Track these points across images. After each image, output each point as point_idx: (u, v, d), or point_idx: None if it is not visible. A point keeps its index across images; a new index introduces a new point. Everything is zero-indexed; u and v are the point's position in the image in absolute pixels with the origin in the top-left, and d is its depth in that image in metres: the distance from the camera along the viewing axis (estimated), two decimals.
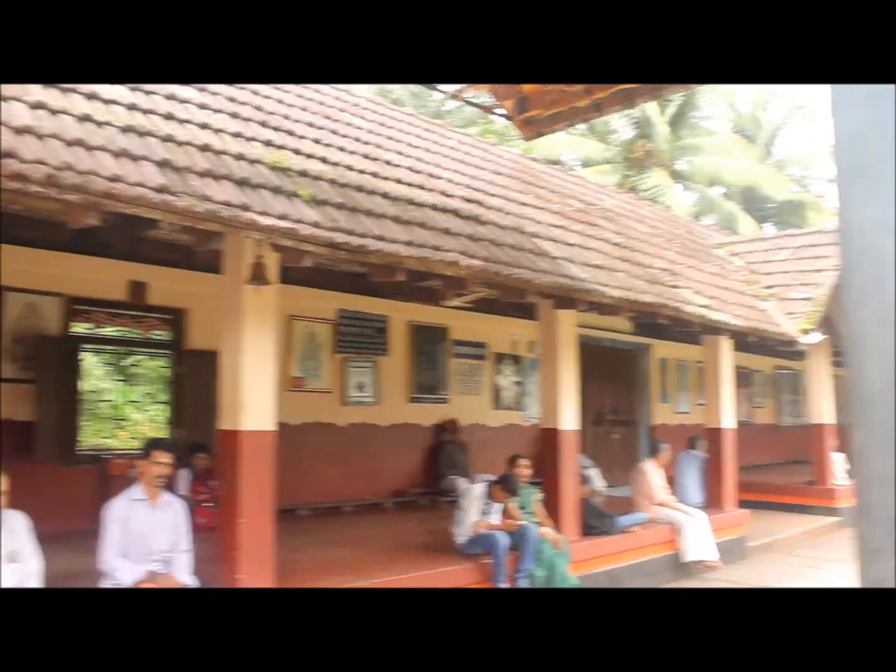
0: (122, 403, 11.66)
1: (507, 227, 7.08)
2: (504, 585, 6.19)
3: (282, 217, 4.67)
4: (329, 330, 9.18)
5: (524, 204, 8.46)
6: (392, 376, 9.96)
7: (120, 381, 11.92)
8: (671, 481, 9.35)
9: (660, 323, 8.40)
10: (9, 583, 4.16)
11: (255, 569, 4.96)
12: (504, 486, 6.60)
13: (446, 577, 5.98)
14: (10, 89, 4.27)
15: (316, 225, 4.85)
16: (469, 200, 7.22)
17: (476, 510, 6.52)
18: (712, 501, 9.62)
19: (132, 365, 11.86)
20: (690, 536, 8.36)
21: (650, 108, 22.12)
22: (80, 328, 7.32)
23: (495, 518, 6.56)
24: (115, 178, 3.99)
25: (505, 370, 11.63)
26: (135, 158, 4.33)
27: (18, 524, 4.32)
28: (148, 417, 11.26)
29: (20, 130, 3.94)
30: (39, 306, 6.69)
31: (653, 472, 8.82)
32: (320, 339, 9.07)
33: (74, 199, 3.78)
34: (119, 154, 4.27)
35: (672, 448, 9.29)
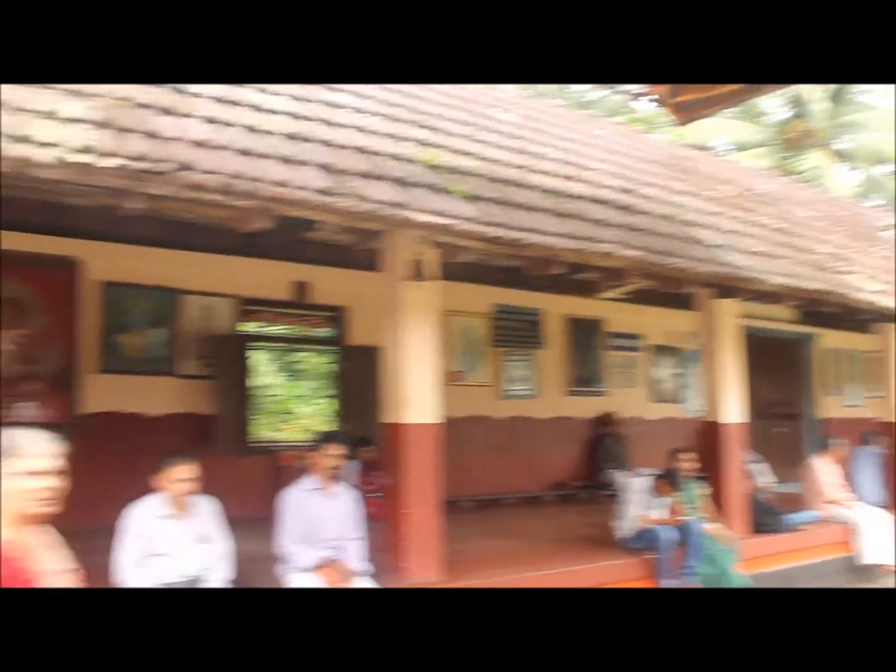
0: (288, 398, 12.24)
1: (662, 216, 6.92)
2: (668, 582, 6.06)
3: (438, 213, 4.76)
4: (485, 324, 9.28)
5: (678, 191, 8.23)
6: (548, 369, 9.96)
7: (286, 376, 12.51)
8: (845, 479, 8.84)
9: (826, 311, 7.98)
10: (200, 563, 4.46)
11: (422, 558, 5.09)
12: (667, 480, 6.47)
13: (609, 572, 5.92)
14: (182, 105, 4.57)
15: (472, 220, 4.91)
16: (622, 190, 7.09)
17: (637, 504, 6.42)
18: (893, 501, 9.02)
19: (297, 361, 12.42)
20: (869, 538, 7.86)
21: (805, 86, 20.95)
22: (249, 327, 7.74)
23: (658, 512, 6.43)
24: (281, 184, 4.19)
25: (662, 362, 11.37)
26: (298, 163, 4.53)
27: (209, 508, 4.62)
28: (313, 412, 11.75)
29: (195, 143, 4.21)
30: (214, 308, 7.12)
31: (824, 469, 8.37)
32: (477, 333, 9.18)
33: (246, 205, 4.00)
34: (284, 160, 4.49)
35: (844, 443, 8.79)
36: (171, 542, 4.56)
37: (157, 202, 3.95)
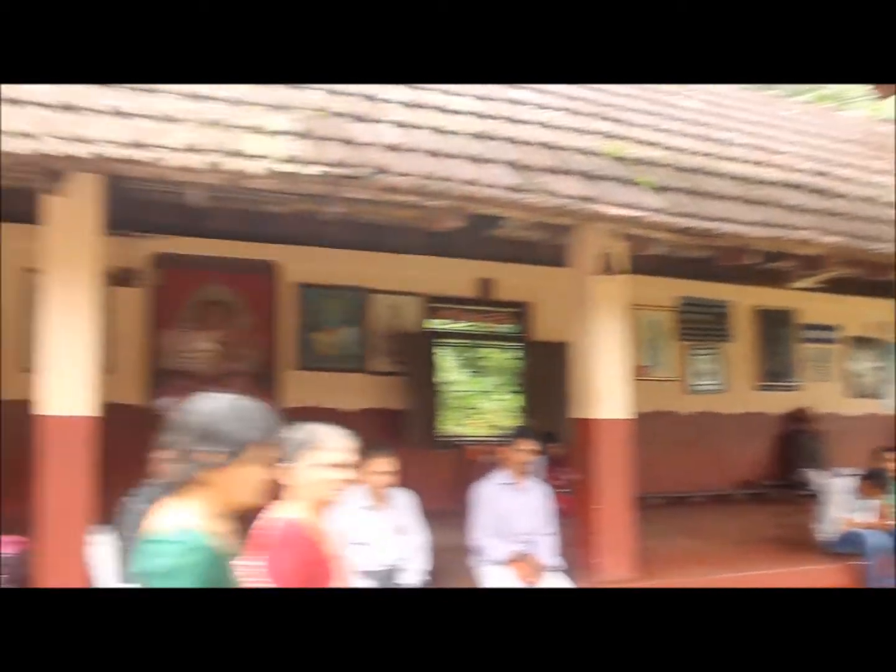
0: (472, 394, 12.44)
1: (862, 199, 6.48)
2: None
3: (628, 206, 4.69)
4: (670, 318, 9.06)
5: (879, 171, 7.67)
6: (737, 363, 9.59)
7: (470, 372, 12.72)
8: None
9: None
10: (397, 554, 4.62)
11: (614, 555, 5.04)
12: (873, 481, 6.06)
13: (811, 576, 5.62)
14: (373, 111, 4.74)
15: (662, 211, 4.80)
16: (816, 173, 6.69)
17: (840, 506, 6.06)
18: None
19: (480, 357, 12.60)
20: None
21: None
22: (435, 324, 7.93)
23: (865, 515, 6.04)
24: (471, 182, 4.26)
25: (861, 355, 10.66)
26: (486, 162, 4.59)
27: (406, 501, 4.77)
28: (497, 407, 11.89)
29: (388, 147, 4.35)
30: (401, 306, 7.36)
31: None
32: (662, 327, 8.98)
33: (438, 205, 4.10)
34: (472, 159, 4.56)
35: None
36: (371, 532, 4.74)
37: (355, 206, 4.13)
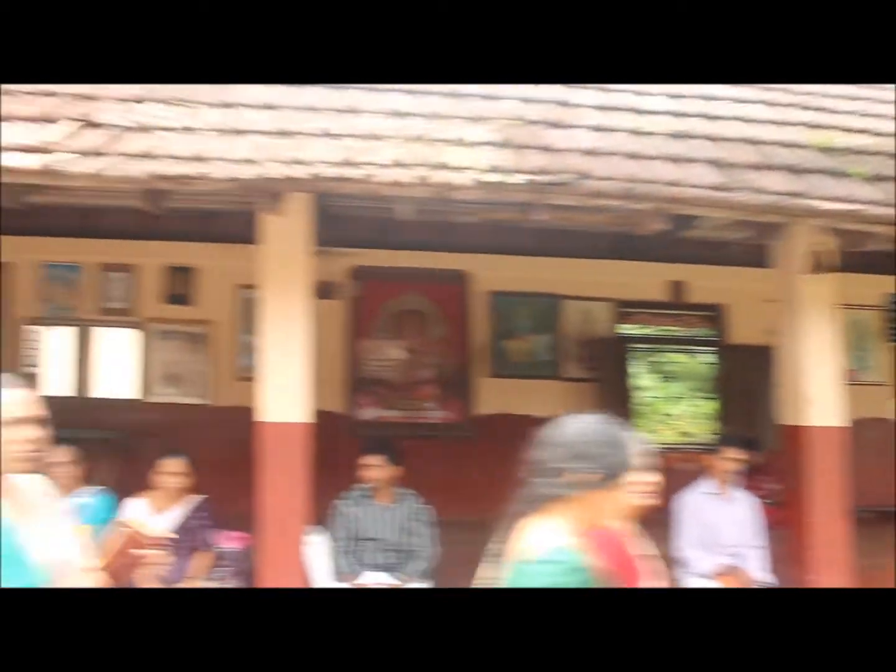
0: (663, 400, 12.16)
1: None
2: None
3: (841, 200, 4.41)
4: (877, 317, 8.46)
5: None
6: None
7: (661, 378, 12.44)
8: None
9: None
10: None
11: (829, 572, 4.75)
12: None
13: None
14: (567, 116, 4.73)
15: (879, 203, 4.49)
16: None
17: None
18: None
19: (671, 362, 12.30)
20: None
21: None
22: (626, 329, 7.82)
23: None
24: (673, 183, 4.16)
25: None
26: (686, 161, 4.47)
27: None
28: (689, 413, 11.55)
29: (586, 152, 4.34)
30: (592, 311, 7.31)
31: None
32: (870, 327, 8.40)
33: (642, 208, 4.04)
34: (672, 160, 4.46)
35: None
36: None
37: (558, 213, 4.13)
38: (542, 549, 1.74)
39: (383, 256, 6.73)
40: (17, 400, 2.13)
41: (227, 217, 5.49)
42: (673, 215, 4.32)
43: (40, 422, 2.18)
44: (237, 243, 5.85)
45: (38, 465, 2.16)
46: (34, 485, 2.23)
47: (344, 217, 5.32)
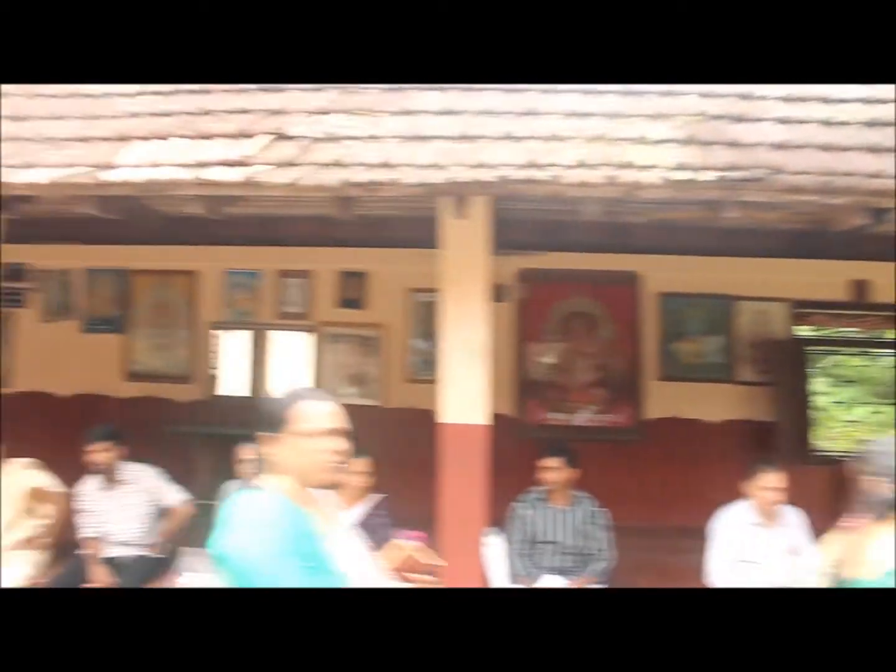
0: (842, 405, 11.54)
1: None
2: None
3: None
4: None
5: None
6: None
7: (838, 381, 11.81)
8: None
9: None
10: (789, 577, 4.38)
11: None
12: None
13: None
14: (752, 110, 4.56)
15: None
16: None
17: None
18: None
19: (849, 365, 11.67)
20: None
21: None
22: (803, 331, 7.46)
23: None
24: (876, 175, 3.94)
25: None
26: (887, 151, 4.21)
27: (797, 519, 4.53)
28: (870, 420, 10.90)
29: (776, 146, 4.17)
30: (766, 312, 7.01)
31: None
32: None
33: (842, 203, 3.84)
34: (869, 150, 4.21)
35: None
36: (761, 550, 4.55)
37: (749, 210, 3.99)
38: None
39: (552, 259, 6.70)
40: (325, 412, 2.28)
41: (397, 223, 5.62)
42: (872, 209, 4.10)
43: (345, 434, 2.31)
44: (408, 248, 6.00)
45: (341, 477, 2.30)
46: (328, 497, 2.37)
47: (513, 220, 5.36)
